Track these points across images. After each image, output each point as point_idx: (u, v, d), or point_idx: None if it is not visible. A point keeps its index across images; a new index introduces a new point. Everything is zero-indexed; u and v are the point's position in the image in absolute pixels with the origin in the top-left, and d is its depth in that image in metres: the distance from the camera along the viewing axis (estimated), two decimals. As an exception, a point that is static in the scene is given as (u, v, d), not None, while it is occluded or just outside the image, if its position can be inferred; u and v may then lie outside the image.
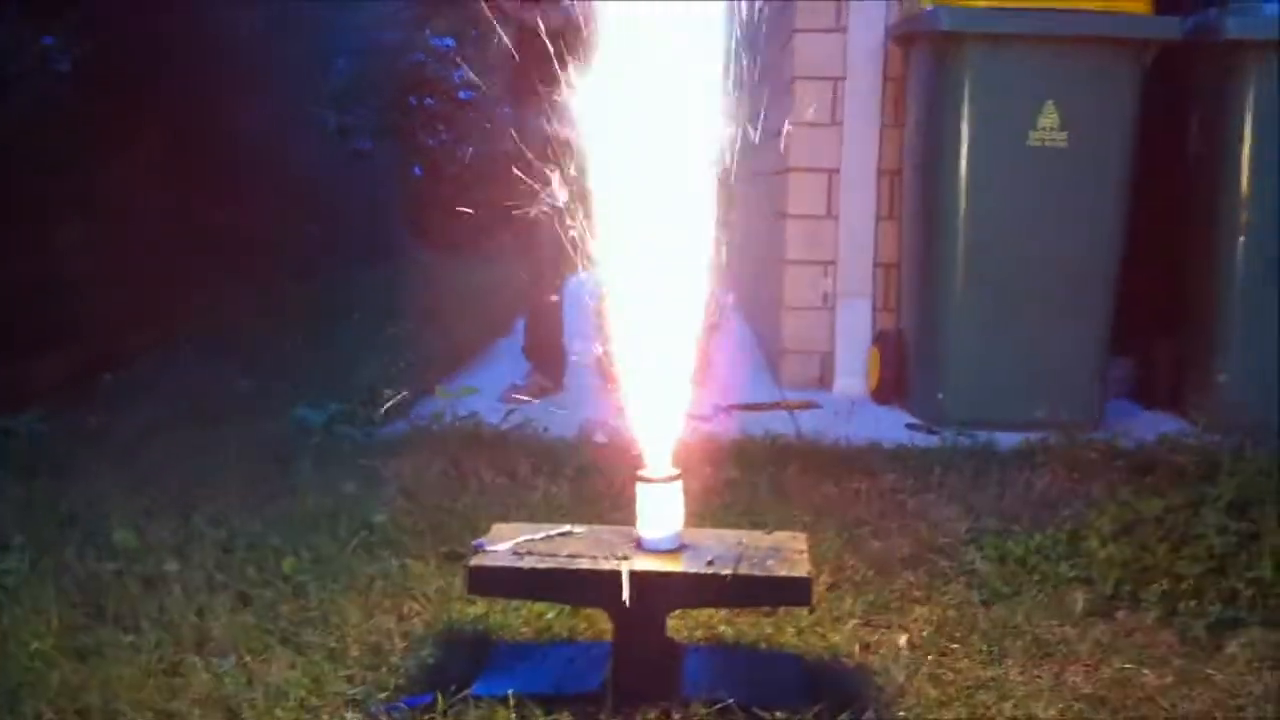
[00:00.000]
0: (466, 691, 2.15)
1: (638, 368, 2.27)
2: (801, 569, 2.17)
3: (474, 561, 2.19)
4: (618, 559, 2.16)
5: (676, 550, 2.21)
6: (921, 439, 4.07)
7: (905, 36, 4.55)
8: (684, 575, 2.15)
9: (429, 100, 9.53)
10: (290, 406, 4.10)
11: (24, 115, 5.00)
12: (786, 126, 4.63)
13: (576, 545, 2.24)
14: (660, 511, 2.21)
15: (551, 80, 2.26)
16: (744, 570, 2.13)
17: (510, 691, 2.13)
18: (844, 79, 4.75)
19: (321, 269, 6.43)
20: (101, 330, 4.67)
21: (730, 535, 2.32)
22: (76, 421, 3.97)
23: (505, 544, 2.23)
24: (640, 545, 2.21)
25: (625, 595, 2.10)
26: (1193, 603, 2.68)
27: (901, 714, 2.19)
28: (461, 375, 4.95)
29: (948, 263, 4.26)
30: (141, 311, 4.94)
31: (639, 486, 2.22)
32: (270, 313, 5.44)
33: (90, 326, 4.63)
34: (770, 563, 2.18)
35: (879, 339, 4.75)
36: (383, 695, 2.21)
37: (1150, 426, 4.16)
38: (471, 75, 9.25)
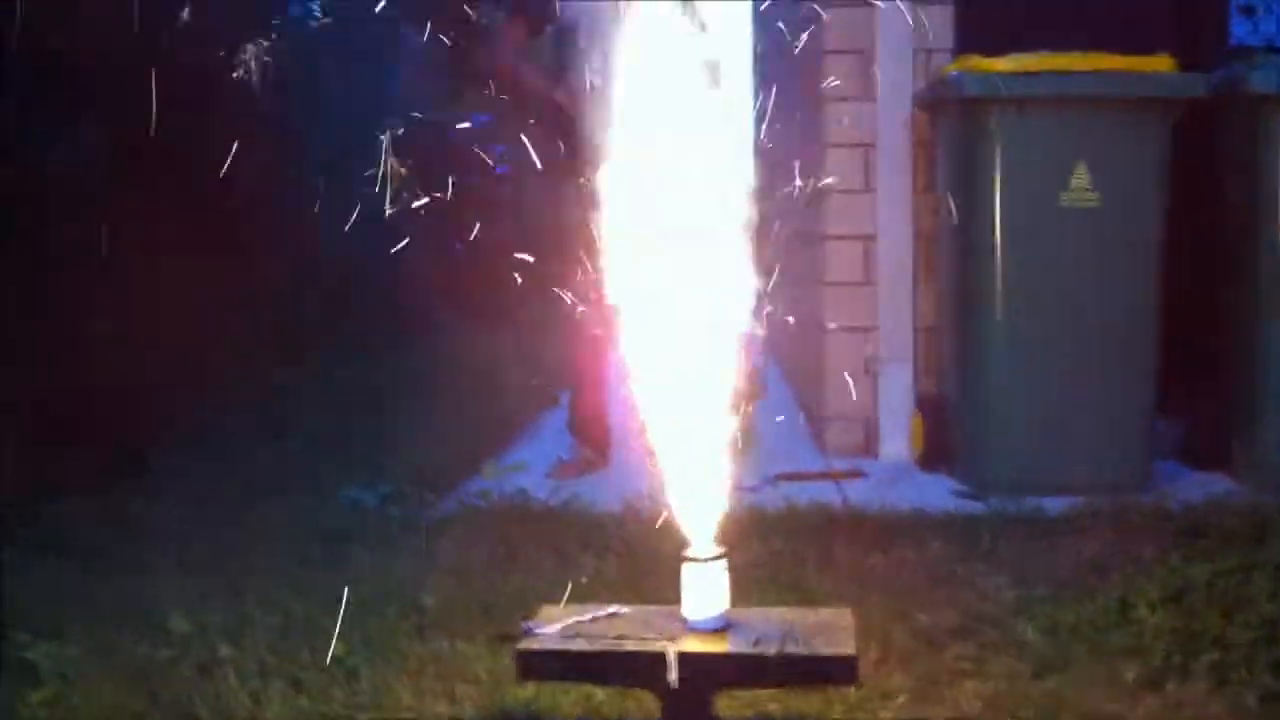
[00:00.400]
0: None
1: (680, 441, 2.29)
2: (847, 647, 2.17)
3: (523, 645, 2.21)
4: (664, 640, 2.18)
5: (723, 630, 2.22)
6: (968, 505, 4.07)
7: (931, 103, 4.60)
8: (730, 656, 2.16)
9: (470, 178, 9.66)
10: (337, 486, 4.16)
11: (61, 202, 5.11)
12: (819, 190, 4.69)
13: (624, 626, 2.25)
14: (706, 591, 2.23)
15: (583, 152, 2.30)
16: (790, 650, 2.14)
17: (561, 776, 2.15)
18: (874, 146, 4.80)
19: (365, 347, 6.52)
20: (140, 415, 4.74)
21: (776, 614, 2.33)
22: (124, 506, 4.04)
23: (554, 626, 2.25)
24: (687, 625, 2.23)
25: (672, 677, 2.11)
26: (1243, 672, 2.65)
27: (953, 793, 2.19)
28: (508, 450, 4.99)
29: (986, 327, 4.27)
30: (184, 393, 5.01)
31: (684, 566, 2.24)
32: (314, 392, 5.52)
33: (128, 412, 4.69)
34: (816, 641, 2.18)
35: (922, 404, 4.76)
36: (436, 781, 2.24)
37: (1199, 487, 4.13)
38: (508, 151, 9.37)
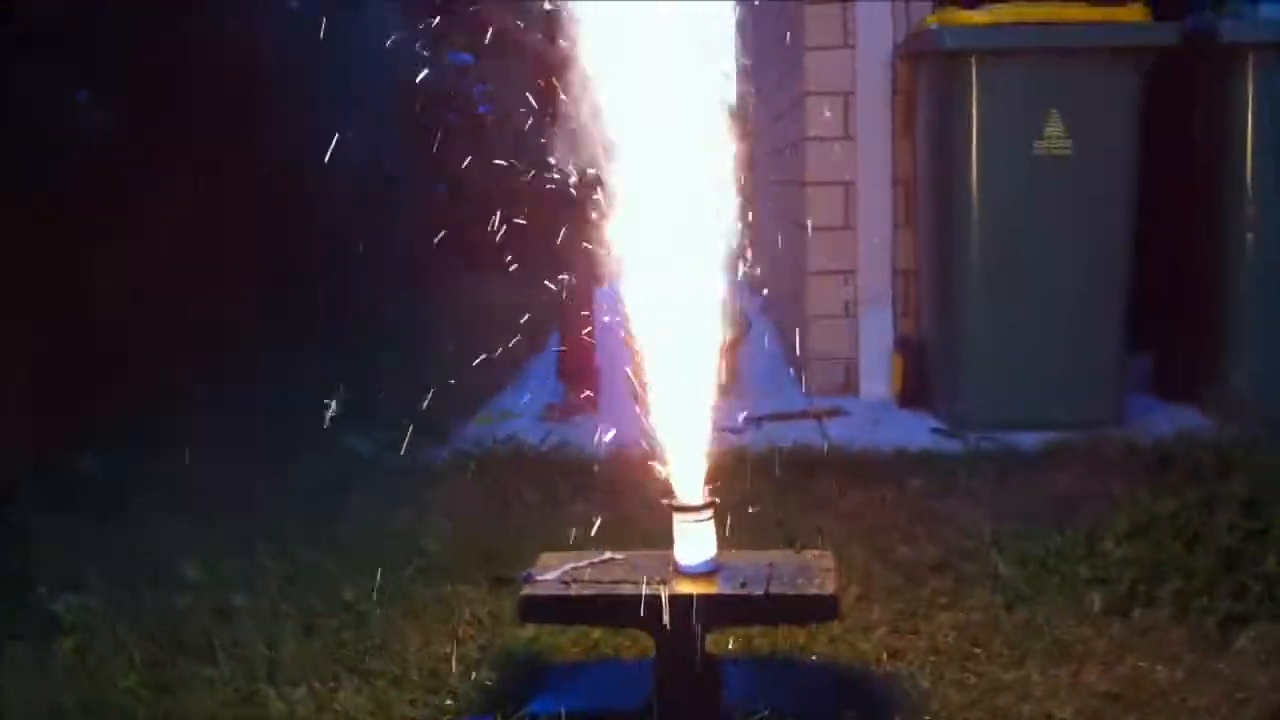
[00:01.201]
0: (523, 712, 2.31)
1: (666, 384, 2.41)
2: (829, 587, 2.32)
3: (525, 591, 2.35)
4: (657, 584, 2.32)
5: (712, 573, 2.36)
6: (946, 443, 4.22)
7: (911, 54, 4.69)
8: (719, 597, 2.30)
9: (451, 116, 9.67)
10: (336, 435, 4.27)
11: (72, 164, 5.18)
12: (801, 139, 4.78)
13: (618, 571, 2.39)
14: (695, 537, 2.37)
15: (565, 93, 2.38)
16: (775, 590, 2.29)
17: (562, 710, 2.29)
18: (854, 94, 4.90)
19: (354, 294, 6.60)
20: (150, 370, 4.84)
21: (762, 556, 2.47)
22: (135, 460, 4.15)
23: (552, 573, 2.39)
24: (678, 569, 2.37)
25: (665, 618, 2.25)
26: (1204, 599, 2.80)
27: (927, 718, 2.34)
28: (499, 397, 5.12)
29: (963, 270, 4.40)
30: (184, 348, 5.11)
31: (675, 515, 2.37)
32: (308, 341, 5.61)
33: (139, 367, 4.79)
34: (800, 581, 2.33)
35: (901, 345, 4.90)
36: (445, 718, 2.38)
37: (1170, 421, 4.28)
38: (491, 90, 9.40)
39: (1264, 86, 4.22)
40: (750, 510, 3.37)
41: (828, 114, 4.87)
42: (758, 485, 3.65)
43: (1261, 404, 4.22)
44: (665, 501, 2.37)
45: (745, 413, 4.44)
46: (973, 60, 4.25)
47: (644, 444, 3.79)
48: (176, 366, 5.06)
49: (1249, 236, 4.33)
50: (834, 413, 4.70)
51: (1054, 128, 4.27)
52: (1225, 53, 4.27)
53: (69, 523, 3.49)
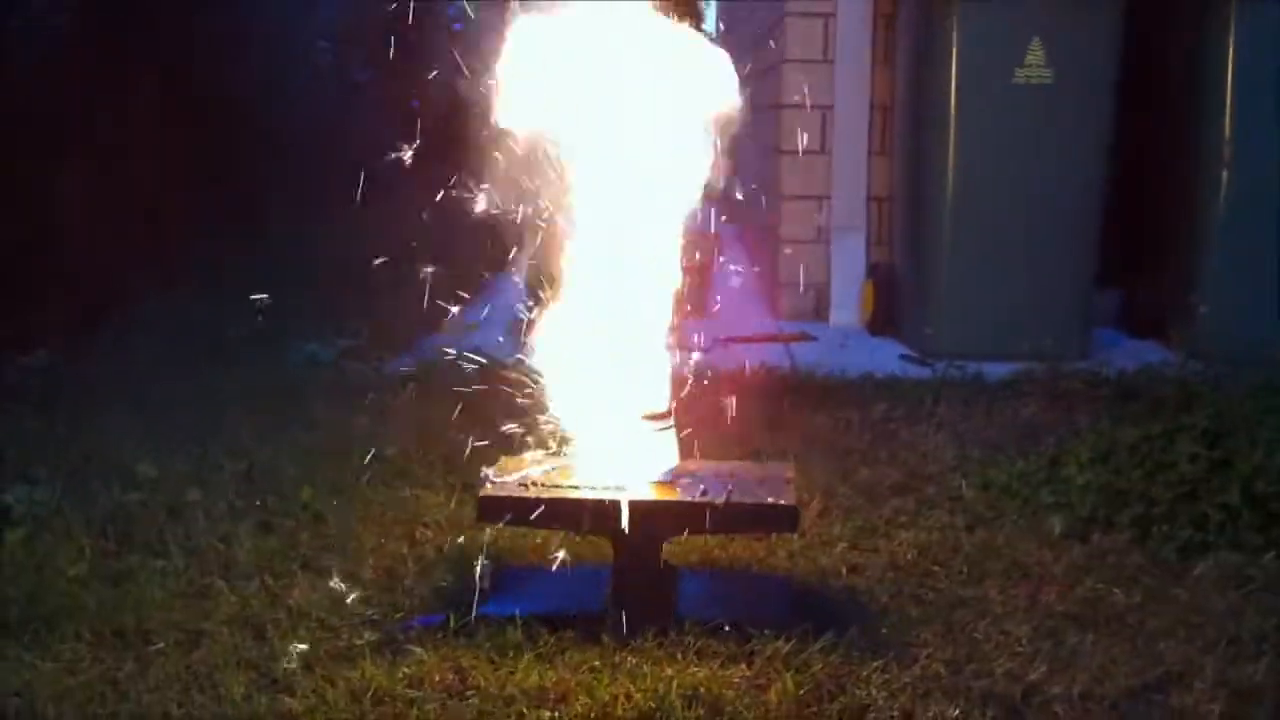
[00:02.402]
0: (476, 611, 2.29)
1: (633, 302, 2.38)
2: (789, 497, 2.30)
3: (484, 492, 2.32)
4: (616, 489, 2.29)
5: (672, 481, 2.34)
6: (914, 370, 4.21)
7: (896, -26, 4.63)
8: (678, 504, 2.29)
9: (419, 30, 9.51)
10: (298, 344, 4.23)
11: (25, 68, 5.07)
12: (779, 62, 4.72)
13: (579, 476, 2.37)
14: (656, 445, 2.35)
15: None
16: (735, 499, 2.27)
17: (517, 612, 2.27)
18: (834, 16, 4.83)
19: (318, 206, 6.51)
20: (103, 274, 4.76)
21: (724, 466, 2.45)
22: (86, 361, 4.09)
23: (512, 476, 2.36)
24: (638, 475, 2.34)
25: (624, 523, 2.23)
26: (1164, 527, 2.81)
27: (884, 631, 2.33)
28: (466, 309, 5.05)
29: (937, 199, 4.37)
30: (141, 255, 5.02)
31: (636, 423, 2.35)
32: (272, 253, 5.53)
33: (91, 271, 4.71)
34: (760, 491, 2.31)
35: (873, 272, 4.87)
36: (398, 616, 2.36)
37: (1135, 356, 4.29)
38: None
39: (1246, 22, 4.18)
40: (712, 428, 3.37)
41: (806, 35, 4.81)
42: (722, 405, 3.63)
43: (1227, 341, 4.22)
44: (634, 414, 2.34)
45: (713, 334, 4.41)
46: (955, -15, 4.19)
47: (610, 359, 3.76)
48: (130, 274, 4.98)
49: (1223, 174, 4.31)
50: (803, 337, 4.68)
51: (1035, 56, 4.22)
52: (1207, -12, 4.23)
53: (21, 419, 3.43)
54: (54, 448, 3.23)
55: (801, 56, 4.85)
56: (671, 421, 2.37)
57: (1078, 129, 4.27)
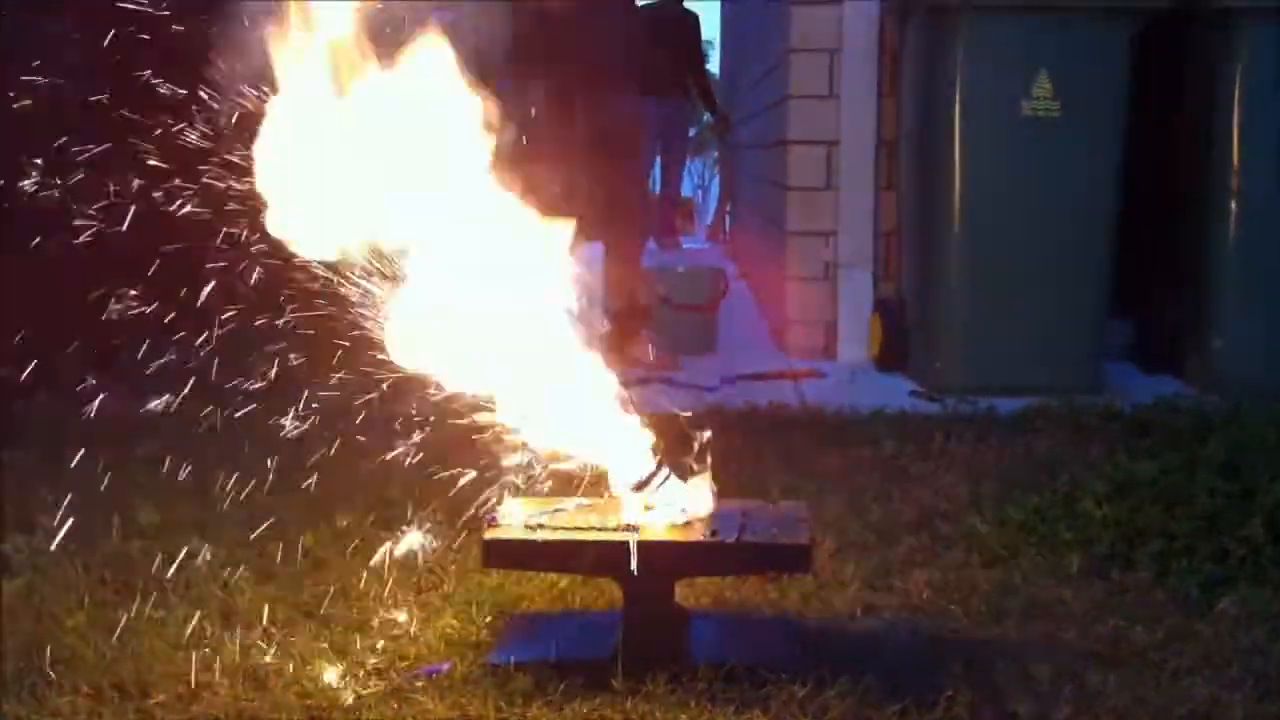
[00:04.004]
0: (484, 661, 2.24)
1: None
2: (802, 537, 2.25)
3: (488, 535, 2.27)
4: (626, 530, 2.24)
5: (683, 521, 2.29)
6: (924, 406, 4.16)
7: (900, 8, 4.61)
8: (689, 545, 2.24)
9: None
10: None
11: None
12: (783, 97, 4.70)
13: (587, 517, 2.32)
14: (667, 485, 2.30)
15: None
16: (747, 539, 2.22)
17: (525, 659, 2.22)
18: (840, 51, 4.81)
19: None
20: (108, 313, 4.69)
21: (735, 505, 2.40)
22: (87, 401, 4.02)
23: (518, 517, 2.31)
24: (647, 516, 2.29)
25: (633, 565, 2.18)
26: (1185, 561, 2.75)
27: (902, 673, 2.27)
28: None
29: (945, 232, 4.33)
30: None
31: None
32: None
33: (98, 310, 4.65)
34: (773, 531, 2.26)
35: (880, 307, 4.83)
36: (403, 664, 2.30)
37: (1149, 389, 4.24)
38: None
39: (1254, 50, 4.15)
40: (723, 468, 3.32)
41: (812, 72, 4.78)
42: (732, 442, 3.58)
43: (1242, 373, 4.17)
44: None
45: (721, 372, 4.38)
46: (962, 15, 4.16)
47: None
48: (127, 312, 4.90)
49: (1233, 205, 4.27)
50: (812, 374, 4.64)
51: (1042, 88, 4.19)
52: (1217, 15, 4.20)
53: (18, 465, 3.39)
54: (53, 494, 3.18)
55: (807, 92, 4.83)
56: (665, 474, 2.29)
57: (1087, 161, 4.23)
